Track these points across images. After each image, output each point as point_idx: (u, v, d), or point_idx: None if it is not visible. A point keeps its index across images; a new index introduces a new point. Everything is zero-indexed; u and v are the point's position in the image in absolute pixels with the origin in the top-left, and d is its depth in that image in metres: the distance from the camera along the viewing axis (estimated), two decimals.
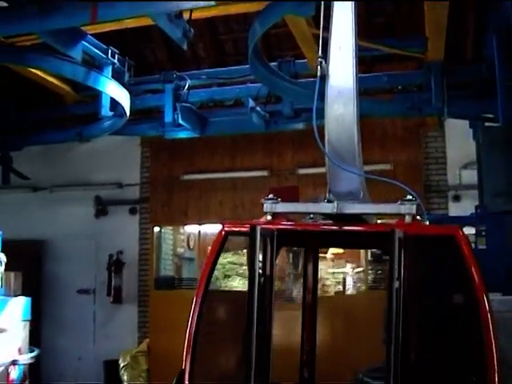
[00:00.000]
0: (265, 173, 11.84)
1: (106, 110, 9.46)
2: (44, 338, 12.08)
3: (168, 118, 9.83)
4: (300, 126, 9.93)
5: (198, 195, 12.30)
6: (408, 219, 4.75)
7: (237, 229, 5.03)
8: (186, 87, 9.82)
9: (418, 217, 4.92)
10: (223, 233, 5.08)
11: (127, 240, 12.68)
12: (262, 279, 4.65)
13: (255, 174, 11.89)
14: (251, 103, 9.46)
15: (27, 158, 11.84)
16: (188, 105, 9.87)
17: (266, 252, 4.76)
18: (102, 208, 13.05)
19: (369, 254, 10.95)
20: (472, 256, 4.56)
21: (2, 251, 8.99)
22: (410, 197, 4.77)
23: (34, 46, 8.24)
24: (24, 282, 11.98)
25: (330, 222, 5.12)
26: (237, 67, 9.76)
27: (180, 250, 13.37)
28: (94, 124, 10.26)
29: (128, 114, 9.40)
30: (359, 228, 5.07)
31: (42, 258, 13.18)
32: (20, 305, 8.96)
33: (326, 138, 4.90)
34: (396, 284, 4.35)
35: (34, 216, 12.99)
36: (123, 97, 9.14)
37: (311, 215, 5.26)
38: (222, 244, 5.03)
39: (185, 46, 7.42)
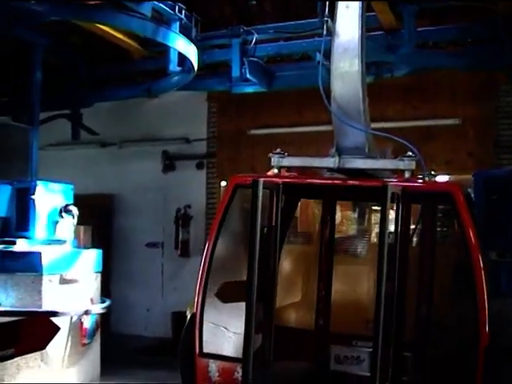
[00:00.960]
0: (331, 127, 11.73)
1: (173, 66, 9.49)
2: (114, 290, 12.39)
3: (235, 73, 9.83)
4: (368, 79, 9.77)
5: (265, 150, 12.24)
6: (407, 175, 4.95)
7: (246, 182, 5.24)
8: (253, 42, 9.78)
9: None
10: (232, 186, 5.29)
11: (194, 194, 12.82)
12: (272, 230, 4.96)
13: (322, 128, 11.77)
14: (318, 57, 9.34)
15: (96, 114, 12.02)
16: (255, 59, 9.84)
17: (272, 204, 5.08)
18: (169, 163, 13.19)
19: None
20: (467, 213, 4.69)
21: (75, 205, 9.19)
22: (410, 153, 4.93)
23: (104, 3, 8.31)
24: (94, 235, 12.30)
25: (343, 177, 5.23)
26: (304, 21, 9.63)
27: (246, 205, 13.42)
28: (162, 79, 10.36)
29: (196, 69, 9.45)
30: (355, 182, 5.25)
31: (112, 212, 13.48)
32: (91, 257, 9.20)
33: (332, 94, 5.14)
34: (386, 238, 4.49)
35: (104, 171, 13.24)
36: (191, 52, 9.17)
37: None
38: (231, 197, 5.36)
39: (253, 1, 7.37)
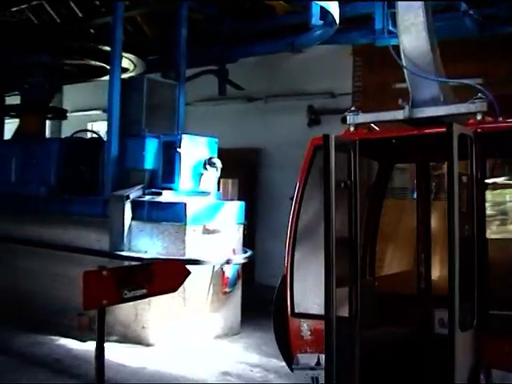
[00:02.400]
0: (478, 80, 11.27)
1: (316, 19, 9.44)
2: (258, 242, 12.70)
3: (378, 25, 9.64)
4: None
5: None
6: (479, 117, 4.81)
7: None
8: None
9: None
10: (312, 147, 5.24)
11: None
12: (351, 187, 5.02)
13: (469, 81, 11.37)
14: (464, 7, 8.99)
15: (242, 69, 12.23)
16: None
17: (349, 161, 5.11)
18: (314, 117, 13.18)
19: None
20: None
21: (221, 159, 9.46)
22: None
23: None
24: (240, 188, 12.63)
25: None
26: None
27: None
28: (304, 34, 10.33)
29: (338, 22, 9.35)
30: (424, 131, 5.16)
31: (257, 166, 13.70)
32: (234, 208, 9.47)
33: (401, 48, 5.15)
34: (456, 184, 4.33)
35: (250, 125, 13.46)
36: (333, 5, 9.08)
37: None
38: (311, 158, 5.48)
39: None
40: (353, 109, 5.47)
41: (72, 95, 16.26)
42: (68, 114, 13.52)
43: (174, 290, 5.16)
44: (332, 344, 4.69)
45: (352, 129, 5.41)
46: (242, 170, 13.06)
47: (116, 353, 8.18)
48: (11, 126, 13.32)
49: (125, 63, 11.00)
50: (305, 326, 5.35)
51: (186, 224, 8.65)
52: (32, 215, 10.46)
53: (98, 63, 11.73)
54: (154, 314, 8.60)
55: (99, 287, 4.43)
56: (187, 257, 8.50)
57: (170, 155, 9.22)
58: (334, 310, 4.71)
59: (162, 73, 11.43)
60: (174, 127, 10.07)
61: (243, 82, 12.45)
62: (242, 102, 13.66)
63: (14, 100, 13.28)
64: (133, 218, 9.01)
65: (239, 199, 10.85)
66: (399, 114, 5.19)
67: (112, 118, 9.45)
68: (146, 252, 8.81)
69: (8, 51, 11.11)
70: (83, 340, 8.63)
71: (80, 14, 11.46)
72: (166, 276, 4.99)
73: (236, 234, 9.45)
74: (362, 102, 12.56)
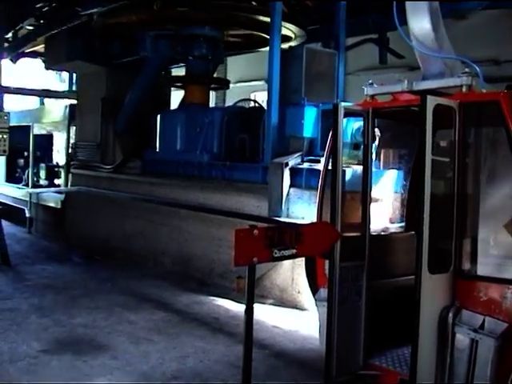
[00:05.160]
0: None
1: None
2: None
3: None
4: None
5: None
6: (465, 89, 5.23)
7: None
8: None
9: None
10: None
11: None
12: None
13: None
14: None
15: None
16: None
17: (365, 127, 6.04)
18: None
19: None
20: None
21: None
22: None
23: None
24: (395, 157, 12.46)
25: None
26: None
27: None
28: None
29: None
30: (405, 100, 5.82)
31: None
32: (392, 177, 9.40)
33: (409, 27, 5.63)
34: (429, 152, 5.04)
35: None
36: None
37: None
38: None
39: None
40: (370, 81, 6.03)
41: (235, 66, 16.73)
42: (231, 85, 13.90)
43: (323, 252, 5.29)
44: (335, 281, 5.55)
45: (368, 99, 5.98)
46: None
47: (271, 315, 8.51)
48: (177, 95, 13.95)
49: (286, 33, 11.16)
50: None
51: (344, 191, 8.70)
52: (196, 182, 10.96)
53: (259, 34, 12.00)
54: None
55: (250, 245, 4.64)
56: None
57: (328, 124, 9.29)
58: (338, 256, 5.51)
59: (323, 42, 11.50)
60: (334, 96, 10.12)
61: (404, 49, 12.24)
62: (403, 71, 13.44)
63: (179, 71, 13.89)
64: (291, 185, 9.20)
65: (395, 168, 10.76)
66: (399, 87, 5.71)
67: (272, 87, 9.65)
68: (303, 218, 8.96)
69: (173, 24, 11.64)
70: (241, 302, 8.98)
71: None
72: (316, 238, 5.13)
73: (393, 202, 9.38)
74: None
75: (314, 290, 6.38)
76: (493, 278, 5.05)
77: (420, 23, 5.63)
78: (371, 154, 6.25)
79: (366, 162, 6.20)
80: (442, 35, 5.73)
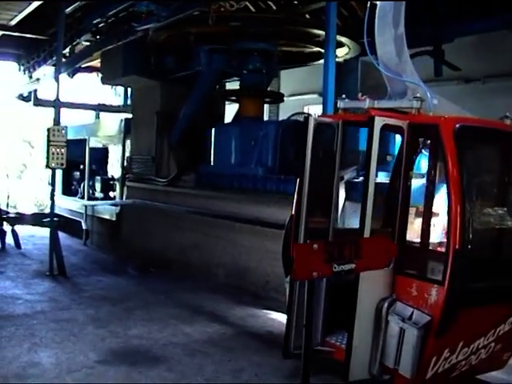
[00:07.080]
0: None
1: None
2: None
3: None
4: None
5: None
6: (414, 111, 5.96)
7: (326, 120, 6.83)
8: None
9: None
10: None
11: None
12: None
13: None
14: None
15: (458, 49, 11.88)
16: None
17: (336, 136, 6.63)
18: None
19: None
20: (450, 143, 5.50)
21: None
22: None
23: None
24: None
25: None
26: None
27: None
28: None
29: None
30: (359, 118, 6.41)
31: None
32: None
33: (377, 53, 6.31)
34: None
35: (466, 107, 13.04)
36: None
37: None
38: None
39: None
40: (343, 96, 6.67)
41: (289, 80, 16.75)
42: (285, 98, 13.92)
43: (381, 266, 5.29)
44: None
45: (340, 111, 6.62)
46: None
47: None
48: (231, 109, 14.04)
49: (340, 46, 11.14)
50: None
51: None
52: (250, 195, 10.99)
53: (313, 48, 11.99)
54: None
55: (310, 260, 4.70)
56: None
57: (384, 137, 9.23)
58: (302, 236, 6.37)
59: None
60: None
61: (460, 62, 12.11)
62: (458, 84, 13.30)
63: (233, 85, 13.97)
64: (346, 199, 9.14)
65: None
66: (362, 104, 6.35)
67: (327, 100, 9.61)
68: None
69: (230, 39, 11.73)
70: None
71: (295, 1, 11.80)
72: (375, 252, 5.12)
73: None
74: None
75: (289, 271, 6.66)
76: (422, 277, 5.94)
77: (385, 48, 6.29)
78: (338, 162, 6.95)
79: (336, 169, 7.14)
80: (406, 60, 6.36)
